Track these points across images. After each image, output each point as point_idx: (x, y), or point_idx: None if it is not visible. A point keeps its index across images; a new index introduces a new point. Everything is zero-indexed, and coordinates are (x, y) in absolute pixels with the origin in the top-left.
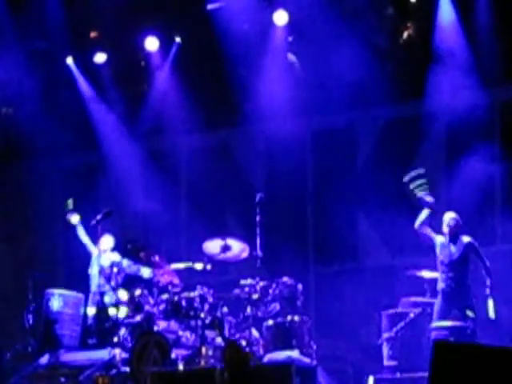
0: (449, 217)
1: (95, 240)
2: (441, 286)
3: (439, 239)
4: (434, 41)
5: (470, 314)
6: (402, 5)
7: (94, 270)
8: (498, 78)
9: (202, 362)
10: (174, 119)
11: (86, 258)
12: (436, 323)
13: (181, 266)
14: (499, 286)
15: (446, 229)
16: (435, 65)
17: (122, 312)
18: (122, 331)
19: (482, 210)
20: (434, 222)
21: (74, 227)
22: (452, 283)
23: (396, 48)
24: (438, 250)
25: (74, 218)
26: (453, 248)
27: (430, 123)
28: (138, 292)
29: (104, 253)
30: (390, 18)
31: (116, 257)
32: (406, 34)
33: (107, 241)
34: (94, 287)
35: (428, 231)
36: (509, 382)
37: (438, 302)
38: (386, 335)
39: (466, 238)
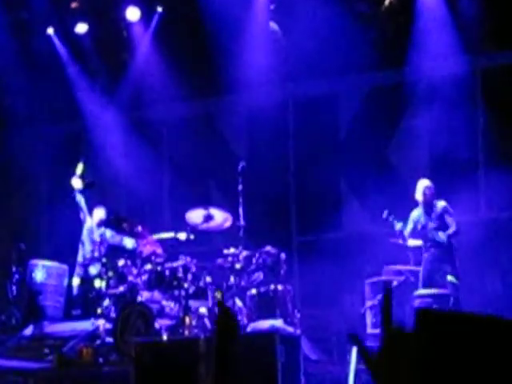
0: (423, 185)
1: (77, 211)
2: (424, 254)
3: (414, 214)
4: (416, 7)
5: (452, 279)
6: None
7: (85, 240)
8: (479, 45)
9: (186, 332)
10: (156, 89)
11: (71, 229)
12: (419, 291)
13: (164, 236)
14: (482, 255)
15: (420, 197)
16: (417, 32)
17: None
18: (106, 302)
19: (465, 176)
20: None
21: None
22: (434, 250)
23: (378, 14)
24: (416, 225)
25: (77, 183)
26: (430, 215)
27: (411, 90)
28: (121, 262)
29: (98, 227)
30: None
31: (99, 230)
32: (387, 1)
33: (99, 213)
34: (80, 258)
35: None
36: (492, 349)
37: (422, 270)
38: (369, 303)
39: (440, 203)
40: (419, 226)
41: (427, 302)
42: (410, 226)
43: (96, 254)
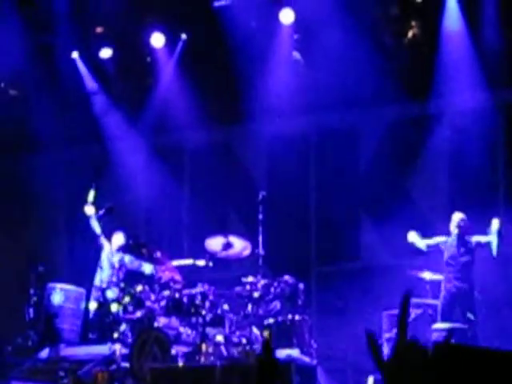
0: (458, 217)
1: (97, 236)
2: (447, 286)
3: (444, 240)
4: (440, 41)
5: (471, 316)
6: (407, 4)
7: (104, 264)
8: (502, 80)
9: (202, 359)
10: (179, 116)
11: (89, 252)
12: (437, 325)
13: (183, 262)
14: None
15: (455, 230)
16: (440, 65)
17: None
18: (123, 327)
19: (485, 211)
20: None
21: (86, 219)
22: (458, 283)
23: (401, 47)
24: (445, 252)
25: (89, 210)
26: (461, 249)
27: (433, 124)
28: (139, 288)
29: (117, 252)
30: (395, 17)
31: (117, 254)
32: (410, 34)
33: (118, 238)
34: (97, 281)
35: (432, 243)
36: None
37: (441, 302)
38: (386, 335)
39: (474, 238)
40: (445, 253)
41: (444, 336)
42: (431, 241)
43: (114, 279)
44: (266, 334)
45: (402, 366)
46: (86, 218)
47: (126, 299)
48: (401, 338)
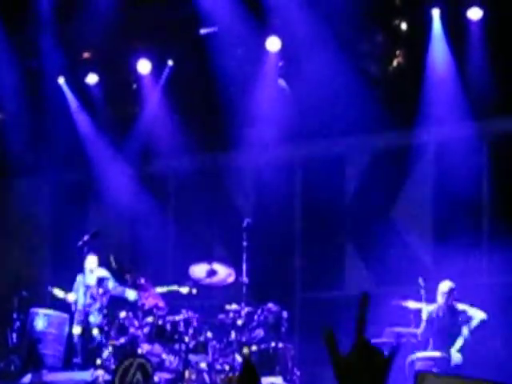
0: (446, 287)
1: (81, 261)
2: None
3: (429, 309)
4: (425, 69)
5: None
6: (392, 32)
7: (79, 295)
8: (488, 110)
9: None
10: (164, 142)
11: (73, 277)
12: (421, 353)
13: (166, 289)
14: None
15: (441, 299)
16: (425, 94)
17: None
18: (106, 353)
19: (469, 242)
20: None
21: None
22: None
23: (386, 76)
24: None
25: (72, 297)
26: (447, 318)
27: (418, 153)
28: (122, 314)
29: (91, 273)
30: (380, 45)
31: (103, 272)
32: (396, 62)
33: (92, 260)
34: (79, 306)
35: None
36: None
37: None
38: None
39: (460, 306)
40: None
41: (429, 365)
42: (423, 326)
43: (97, 305)
44: (245, 351)
45: (358, 363)
46: (71, 244)
47: (110, 325)
48: (359, 337)
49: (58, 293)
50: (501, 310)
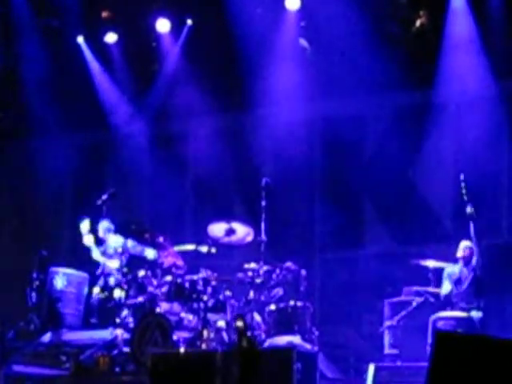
0: (464, 245)
1: (99, 219)
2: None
3: (449, 270)
4: (446, 30)
5: (478, 314)
6: None
7: (108, 252)
8: (508, 70)
9: (204, 345)
10: (183, 102)
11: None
12: (444, 313)
13: (185, 248)
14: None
15: (461, 260)
16: (446, 54)
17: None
18: (125, 312)
19: (489, 200)
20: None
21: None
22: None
23: (408, 36)
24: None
25: (89, 240)
26: (465, 272)
27: (439, 112)
28: (141, 273)
29: (104, 240)
30: (403, 5)
31: (119, 239)
32: (418, 23)
33: (103, 226)
34: (99, 268)
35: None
36: (510, 375)
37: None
38: (387, 323)
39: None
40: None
41: (451, 325)
42: (448, 288)
43: (116, 264)
44: (239, 324)
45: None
46: (91, 203)
47: (129, 284)
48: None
49: (85, 226)
50: None
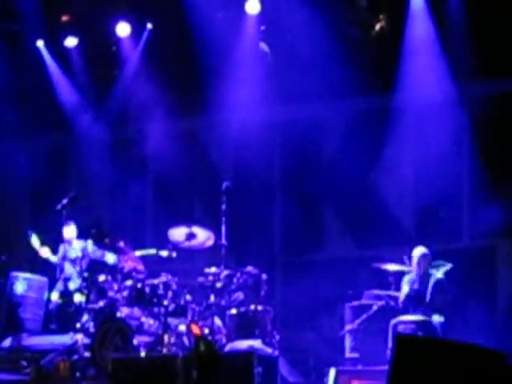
0: (419, 253)
1: (60, 225)
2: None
3: (407, 279)
4: (406, 33)
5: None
6: None
7: (67, 256)
8: (468, 73)
9: (165, 350)
10: (144, 105)
11: (53, 242)
12: (404, 317)
13: (145, 252)
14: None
15: (415, 266)
16: (406, 58)
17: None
18: (85, 317)
19: (449, 204)
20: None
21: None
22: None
23: (368, 40)
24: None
25: (44, 252)
26: (425, 285)
27: (398, 117)
28: (102, 277)
29: (70, 245)
30: (362, 9)
31: (79, 243)
32: (378, 26)
33: (70, 230)
34: (58, 273)
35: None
36: (469, 378)
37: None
38: (348, 327)
39: (437, 274)
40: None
41: (412, 329)
42: (406, 289)
43: (77, 269)
44: (194, 329)
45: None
46: (50, 208)
47: (90, 289)
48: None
49: (35, 241)
50: (481, 273)
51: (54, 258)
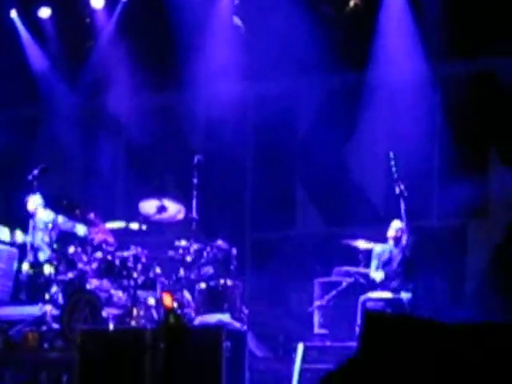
0: (396, 226)
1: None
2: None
3: (378, 249)
4: (381, 10)
5: (407, 296)
6: None
7: (37, 226)
8: (442, 52)
9: (133, 322)
10: (116, 79)
11: (24, 213)
12: (373, 294)
13: (116, 225)
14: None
15: (391, 240)
16: (380, 35)
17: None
18: (54, 288)
19: (419, 182)
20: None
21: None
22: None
23: (342, 17)
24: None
25: (19, 237)
26: (395, 252)
27: (371, 93)
28: (71, 249)
29: (37, 214)
30: None
31: (49, 214)
32: (352, 3)
33: (34, 200)
34: (28, 244)
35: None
36: (438, 355)
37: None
38: (317, 303)
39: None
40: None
41: (380, 306)
42: (375, 263)
43: (46, 239)
44: (166, 299)
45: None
46: (22, 179)
47: (59, 260)
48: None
49: (4, 235)
50: (451, 252)
51: (29, 238)
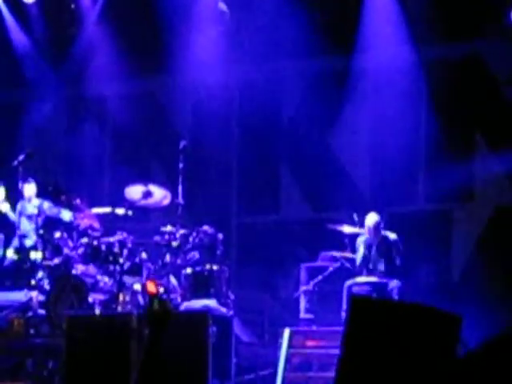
0: (372, 220)
1: (16, 182)
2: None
3: (361, 240)
4: None
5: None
6: None
7: (24, 213)
8: (427, 36)
9: (119, 308)
10: (101, 65)
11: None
12: (359, 278)
13: (102, 210)
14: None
15: (367, 230)
16: (365, 19)
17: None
18: (40, 274)
19: (405, 167)
20: None
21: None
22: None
23: (327, 1)
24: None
25: (5, 207)
26: (375, 246)
27: (356, 78)
28: (57, 234)
29: (29, 202)
30: None
31: (35, 200)
32: None
33: (30, 188)
34: (17, 229)
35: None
36: (424, 340)
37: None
38: (303, 288)
39: (391, 236)
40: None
41: (366, 290)
42: (362, 251)
43: (33, 226)
44: (149, 286)
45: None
46: (6, 164)
47: (45, 246)
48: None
49: (1, 194)
50: (436, 236)
51: (12, 215)
